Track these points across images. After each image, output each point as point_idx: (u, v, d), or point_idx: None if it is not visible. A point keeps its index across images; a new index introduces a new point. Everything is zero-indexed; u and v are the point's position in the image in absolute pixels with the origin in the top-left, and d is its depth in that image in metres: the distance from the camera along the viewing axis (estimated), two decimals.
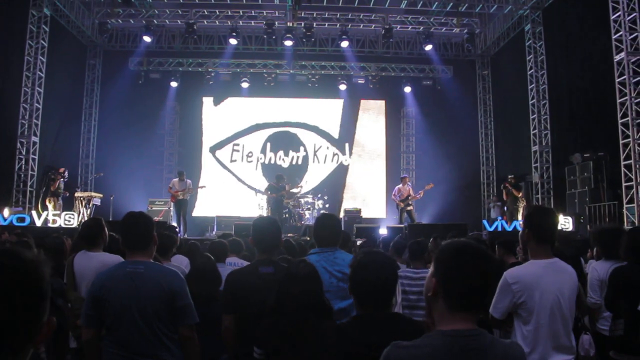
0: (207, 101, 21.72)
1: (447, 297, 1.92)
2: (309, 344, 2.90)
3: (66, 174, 16.18)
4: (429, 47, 19.58)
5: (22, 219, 13.33)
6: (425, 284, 2.05)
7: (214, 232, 16.77)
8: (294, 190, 17.18)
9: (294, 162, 21.04)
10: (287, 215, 16.85)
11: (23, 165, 16.60)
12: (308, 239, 12.08)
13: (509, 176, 16.26)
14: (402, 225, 14.71)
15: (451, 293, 1.91)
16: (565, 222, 13.72)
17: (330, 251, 4.05)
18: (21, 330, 1.25)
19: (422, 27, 19.73)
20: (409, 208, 15.89)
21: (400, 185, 16.02)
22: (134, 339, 3.18)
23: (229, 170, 21.03)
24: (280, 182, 16.08)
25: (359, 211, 17.37)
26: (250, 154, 21.17)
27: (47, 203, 15.33)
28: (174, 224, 15.04)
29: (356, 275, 2.71)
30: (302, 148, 21.29)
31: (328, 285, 3.73)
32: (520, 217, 15.31)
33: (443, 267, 1.95)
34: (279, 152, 21.20)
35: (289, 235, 13.51)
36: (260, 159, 21.13)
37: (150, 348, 3.20)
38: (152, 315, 3.21)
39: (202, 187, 17.44)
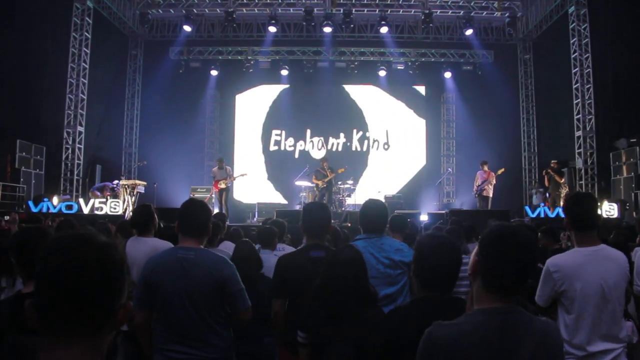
0: (241, 89, 21.91)
1: (485, 278, 1.98)
2: (353, 330, 2.89)
3: (117, 189, 16.29)
4: (469, 32, 19.31)
5: (70, 207, 13.73)
6: (469, 263, 2.10)
7: (255, 219, 16.93)
8: (339, 172, 16.89)
9: (333, 149, 21.06)
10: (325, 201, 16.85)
11: (70, 155, 17.06)
12: (349, 225, 12.12)
13: (552, 162, 15.93)
14: (442, 212, 14.64)
15: (489, 274, 1.97)
16: (610, 209, 13.48)
17: (377, 237, 3.99)
18: (96, 312, 1.31)
19: (462, 11, 19.44)
20: (483, 194, 15.80)
21: (480, 171, 15.94)
22: (183, 323, 3.26)
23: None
24: (326, 164, 16.03)
25: (399, 197, 17.31)
26: (290, 141, 21.26)
27: (91, 197, 15.64)
28: (216, 210, 15.24)
29: (424, 258, 2.63)
30: (342, 135, 21.30)
31: (375, 271, 3.71)
32: (562, 203, 15.08)
33: (485, 248, 2.00)
34: (319, 139, 21.23)
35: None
36: (300, 146, 21.21)
37: (198, 332, 3.27)
38: (201, 301, 3.27)
39: (243, 175, 17.60)
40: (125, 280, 1.37)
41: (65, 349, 1.29)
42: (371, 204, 4.24)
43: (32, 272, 2.96)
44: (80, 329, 1.30)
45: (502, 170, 15.84)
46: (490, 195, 15.83)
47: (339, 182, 17.10)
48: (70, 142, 17.11)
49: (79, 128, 17.15)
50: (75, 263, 1.28)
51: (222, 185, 15.70)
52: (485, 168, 15.90)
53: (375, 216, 4.11)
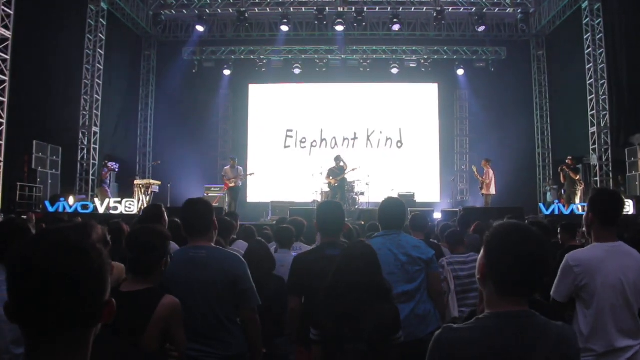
0: (254, 88, 22.04)
1: (496, 281, 1.90)
2: (366, 326, 2.91)
3: (114, 166, 16.59)
4: (482, 29, 19.24)
5: (85, 207, 13.90)
6: (477, 267, 2.03)
7: (269, 218, 16.97)
8: (353, 169, 16.80)
9: (346, 147, 21.05)
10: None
11: (85, 155, 17.25)
12: (362, 223, 12.15)
13: (567, 158, 15.84)
14: (456, 210, 14.61)
15: (499, 276, 1.89)
16: (625, 206, 13.37)
17: (395, 233, 4.09)
18: (78, 312, 1.29)
19: (474, 8, 19.36)
20: (482, 191, 15.84)
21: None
22: (198, 321, 3.27)
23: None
24: (339, 162, 16.11)
25: (412, 195, 17.28)
26: (303, 140, 21.32)
27: (99, 196, 15.81)
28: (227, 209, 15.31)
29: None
30: (355, 132, 21.31)
31: (393, 267, 3.81)
32: (578, 200, 14.99)
33: (492, 249, 1.92)
34: (332, 137, 21.27)
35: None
36: (314, 144, 21.26)
37: (212, 330, 3.29)
38: (214, 299, 3.29)
39: (250, 174, 17.75)
40: (105, 279, 1.35)
41: (47, 345, 1.29)
42: (390, 202, 4.34)
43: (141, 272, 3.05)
44: (60, 327, 1.28)
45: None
46: (490, 192, 15.81)
47: (352, 181, 17.10)
48: (85, 143, 17.29)
49: (94, 128, 17.33)
50: (48, 264, 1.26)
51: (232, 184, 15.81)
52: (487, 166, 15.92)
53: (394, 213, 4.21)
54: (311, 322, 3.16)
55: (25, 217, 9.50)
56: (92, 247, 1.33)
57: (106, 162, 16.64)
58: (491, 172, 15.94)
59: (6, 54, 12.88)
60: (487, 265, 1.93)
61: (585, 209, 3.55)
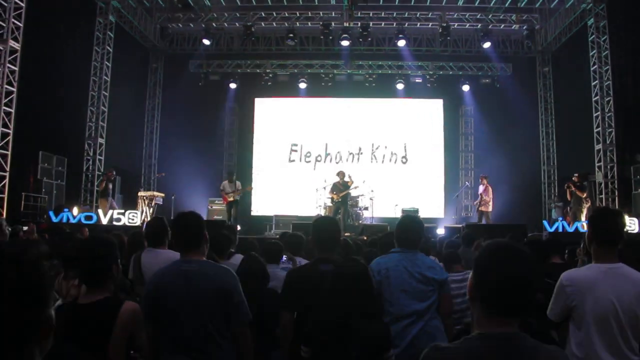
0: (259, 101, 22.12)
1: (483, 301, 1.86)
2: (355, 343, 2.90)
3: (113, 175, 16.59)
4: (487, 45, 19.23)
5: (89, 217, 13.94)
6: (467, 287, 2.00)
7: (272, 231, 16.99)
8: (355, 187, 16.82)
9: (351, 162, 21.05)
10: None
11: (90, 166, 17.31)
12: (365, 238, 12.12)
13: (574, 175, 15.74)
14: (459, 226, 14.57)
15: (486, 297, 1.85)
16: (630, 224, 13.30)
17: (411, 252, 4.10)
18: (8, 329, 1.25)
19: (480, 24, 19.41)
20: (481, 208, 15.83)
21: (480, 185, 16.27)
22: (187, 335, 3.25)
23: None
24: (343, 177, 16.10)
25: (416, 211, 17.24)
26: (308, 154, 21.35)
27: (100, 207, 15.84)
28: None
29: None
30: (360, 148, 21.33)
31: (407, 285, 3.85)
32: (583, 218, 14.91)
33: (478, 270, 1.89)
34: (337, 152, 21.29)
35: (345, 234, 13.55)
36: (319, 158, 21.28)
37: (201, 344, 3.26)
38: (204, 313, 3.27)
39: (250, 189, 17.81)
40: (39, 292, 1.32)
41: None
42: (408, 220, 4.39)
43: (93, 282, 3.03)
44: None
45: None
46: (489, 210, 15.83)
47: (357, 196, 17.08)
48: (91, 154, 17.35)
49: (100, 140, 17.39)
50: None
51: (231, 198, 15.91)
52: (484, 182, 15.96)
53: (411, 232, 4.21)
54: (302, 338, 3.15)
55: (26, 228, 9.50)
56: (26, 260, 1.31)
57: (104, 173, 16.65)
58: (490, 189, 15.97)
59: (15, 66, 12.97)
60: (474, 285, 1.90)
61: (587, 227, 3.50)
